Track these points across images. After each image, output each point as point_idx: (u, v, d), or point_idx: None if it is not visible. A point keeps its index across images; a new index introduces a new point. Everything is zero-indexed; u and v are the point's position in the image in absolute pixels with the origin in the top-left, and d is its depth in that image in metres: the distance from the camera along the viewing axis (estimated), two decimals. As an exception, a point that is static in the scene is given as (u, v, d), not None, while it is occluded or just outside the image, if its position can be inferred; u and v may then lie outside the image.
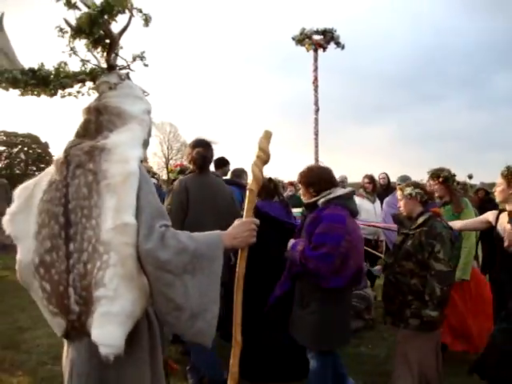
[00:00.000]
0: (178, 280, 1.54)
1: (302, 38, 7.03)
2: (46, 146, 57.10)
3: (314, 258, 2.88)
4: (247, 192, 1.88)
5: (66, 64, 1.89)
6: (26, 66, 1.88)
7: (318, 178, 3.15)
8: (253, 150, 1.89)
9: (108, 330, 1.47)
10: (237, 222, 1.77)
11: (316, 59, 7.39)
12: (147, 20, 1.87)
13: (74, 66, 1.91)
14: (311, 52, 7.34)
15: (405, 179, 5.20)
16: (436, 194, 4.15)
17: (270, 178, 3.96)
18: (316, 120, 7.82)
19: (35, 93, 1.91)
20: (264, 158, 1.86)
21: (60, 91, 1.91)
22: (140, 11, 1.83)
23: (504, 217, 3.45)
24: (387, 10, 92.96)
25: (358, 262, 3.10)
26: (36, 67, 1.87)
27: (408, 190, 3.18)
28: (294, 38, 7.01)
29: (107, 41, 1.83)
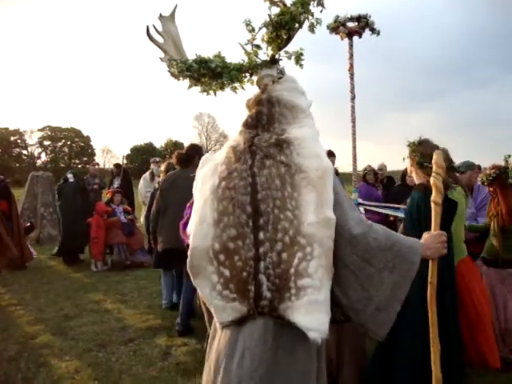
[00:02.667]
0: (378, 273, 1.66)
1: (336, 26, 6.89)
2: (88, 139, 58.82)
3: None
4: (432, 205, 1.98)
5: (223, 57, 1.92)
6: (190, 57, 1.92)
7: None
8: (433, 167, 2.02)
9: (317, 317, 1.56)
10: (427, 234, 1.85)
11: (351, 46, 7.24)
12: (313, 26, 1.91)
13: (229, 58, 1.94)
14: (346, 39, 7.19)
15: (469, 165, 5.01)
16: None
17: None
18: (353, 108, 7.68)
19: (205, 85, 1.93)
20: (443, 174, 2.01)
21: (229, 85, 1.94)
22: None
23: None
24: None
25: None
26: (204, 59, 1.89)
27: None
28: (328, 27, 6.88)
29: (285, 36, 1.86)
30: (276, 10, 1.84)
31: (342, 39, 7.38)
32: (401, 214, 5.29)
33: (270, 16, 1.82)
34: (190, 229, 1.73)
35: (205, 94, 1.95)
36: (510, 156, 4.10)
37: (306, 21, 1.85)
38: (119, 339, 4.61)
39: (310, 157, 1.66)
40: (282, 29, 1.82)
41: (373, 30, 7.46)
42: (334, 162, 6.74)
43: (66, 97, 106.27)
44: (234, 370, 1.60)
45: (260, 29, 1.88)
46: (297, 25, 1.83)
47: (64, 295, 6.24)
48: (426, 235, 1.84)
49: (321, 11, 1.88)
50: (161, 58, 1.95)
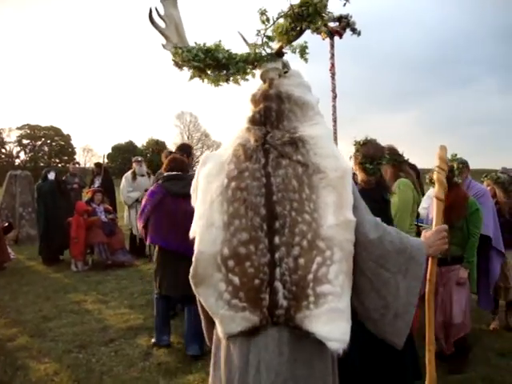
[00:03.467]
0: (393, 279, 1.59)
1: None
2: (68, 138, 57.95)
3: None
4: (435, 200, 1.96)
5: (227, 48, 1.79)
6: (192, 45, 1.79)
7: None
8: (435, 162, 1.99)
9: (338, 326, 1.46)
10: (427, 232, 1.79)
11: (332, 46, 7.30)
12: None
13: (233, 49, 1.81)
14: (327, 39, 7.24)
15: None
16: None
17: None
18: (334, 107, 7.78)
19: (208, 76, 1.81)
20: (446, 168, 1.98)
21: (233, 77, 1.81)
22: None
23: None
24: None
25: None
26: (211, 47, 1.76)
27: None
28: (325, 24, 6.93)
29: (304, 25, 1.72)
30: (296, 0, 1.68)
31: (324, 39, 7.45)
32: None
33: (292, 6, 1.67)
34: (194, 232, 1.61)
35: (214, 85, 1.83)
36: (456, 155, 4.19)
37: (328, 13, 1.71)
38: (100, 340, 4.55)
39: (328, 156, 1.57)
40: (304, 21, 1.67)
41: (354, 31, 7.54)
42: None
43: (46, 95, 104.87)
44: (250, 382, 1.51)
45: (277, 19, 1.73)
46: (319, 19, 1.68)
47: (43, 296, 6.14)
48: (426, 233, 1.79)
49: (344, 5, 1.74)
50: (163, 45, 1.81)
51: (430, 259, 1.88)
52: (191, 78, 1.83)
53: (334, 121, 7.85)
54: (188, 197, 1.77)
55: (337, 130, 7.94)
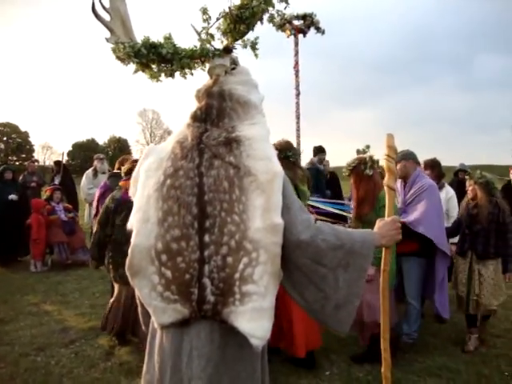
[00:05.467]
0: (332, 273, 1.65)
1: (283, 23, 6.99)
2: (26, 135, 56.05)
3: None
4: (386, 189, 1.93)
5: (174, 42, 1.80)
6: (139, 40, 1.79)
7: None
8: (383, 149, 1.96)
9: (261, 324, 1.54)
10: (381, 222, 1.82)
11: (297, 44, 7.39)
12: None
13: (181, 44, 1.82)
14: (292, 37, 7.33)
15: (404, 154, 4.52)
16: None
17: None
18: (297, 104, 7.89)
19: (152, 71, 1.81)
20: (395, 156, 1.95)
21: (178, 71, 1.82)
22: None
23: None
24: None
25: None
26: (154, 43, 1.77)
27: None
28: (274, 24, 6.97)
29: (243, 30, 1.78)
30: (237, 1, 1.75)
31: (288, 37, 7.52)
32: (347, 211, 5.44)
33: (229, 8, 1.74)
34: (131, 225, 1.65)
35: (154, 80, 1.83)
36: (369, 146, 4.19)
37: (266, 12, 1.80)
38: (59, 341, 4.43)
39: (260, 159, 1.61)
40: (242, 23, 1.75)
41: (318, 29, 7.65)
42: (324, 159, 7.59)
43: (1, 90, 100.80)
44: (183, 369, 1.58)
45: (217, 20, 1.79)
46: (257, 21, 1.77)
47: (0, 299, 5.90)
48: (380, 222, 1.82)
49: (285, 8, 1.84)
50: (107, 39, 1.79)
51: (383, 249, 1.89)
52: (135, 71, 1.84)
53: (298, 117, 7.96)
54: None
55: (300, 126, 8.07)
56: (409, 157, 4.27)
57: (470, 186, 4.28)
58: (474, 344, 4.20)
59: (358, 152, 3.93)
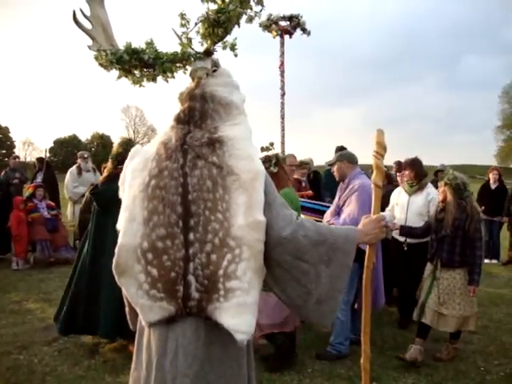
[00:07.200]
0: (313, 269, 1.69)
1: (269, 24, 7.05)
2: (6, 130, 55.01)
3: None
4: (373, 186, 1.93)
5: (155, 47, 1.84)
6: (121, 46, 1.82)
7: None
8: (372, 146, 1.94)
9: (245, 319, 1.58)
10: (365, 219, 1.84)
11: (282, 45, 7.45)
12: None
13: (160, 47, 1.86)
14: (278, 38, 7.39)
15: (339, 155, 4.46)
16: None
17: None
18: (282, 104, 7.96)
19: (135, 76, 1.85)
20: (384, 153, 1.93)
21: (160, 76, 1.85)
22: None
23: None
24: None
25: None
26: (133, 49, 1.80)
27: None
28: (260, 24, 7.03)
29: (221, 33, 1.82)
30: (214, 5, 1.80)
31: (274, 37, 7.58)
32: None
33: (207, 13, 1.78)
34: (120, 225, 1.68)
35: (137, 85, 1.89)
36: (272, 144, 4.09)
37: (244, 15, 1.83)
38: (42, 340, 4.41)
39: (243, 158, 1.65)
40: (219, 27, 1.80)
41: (304, 30, 7.73)
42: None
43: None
44: (167, 367, 1.60)
45: (196, 24, 1.83)
46: (234, 24, 1.82)
47: (-20, 296, 5.84)
48: (364, 220, 1.85)
49: (260, 10, 1.88)
50: (89, 47, 1.83)
51: (367, 246, 1.92)
52: (118, 77, 1.88)
53: (282, 117, 8.03)
54: None
55: (284, 126, 8.14)
56: (343, 158, 4.20)
57: (440, 188, 4.09)
58: (414, 354, 3.85)
59: (262, 149, 3.96)
